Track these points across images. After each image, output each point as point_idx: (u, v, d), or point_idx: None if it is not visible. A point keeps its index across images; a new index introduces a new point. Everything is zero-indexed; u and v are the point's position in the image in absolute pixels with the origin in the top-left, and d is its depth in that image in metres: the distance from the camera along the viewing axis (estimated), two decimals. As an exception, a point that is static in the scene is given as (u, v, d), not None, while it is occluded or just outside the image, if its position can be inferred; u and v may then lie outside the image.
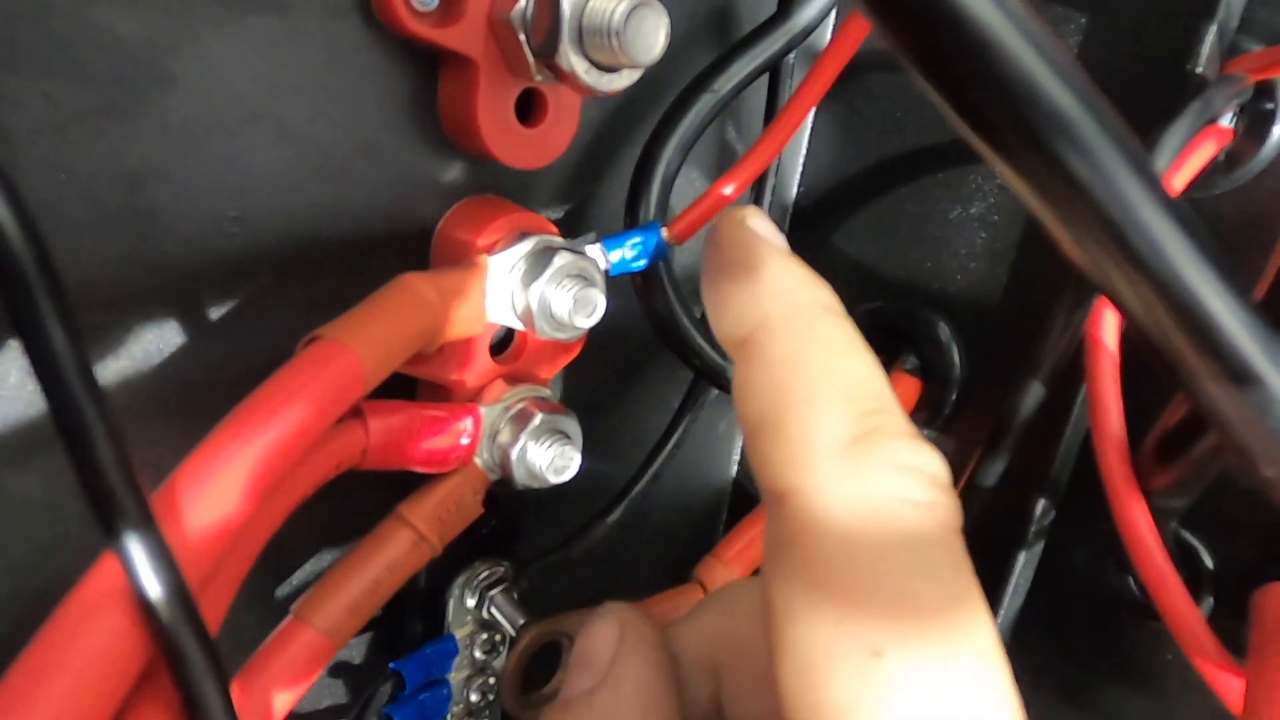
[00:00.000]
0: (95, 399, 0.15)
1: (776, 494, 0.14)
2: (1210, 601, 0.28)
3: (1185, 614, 0.22)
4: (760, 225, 0.16)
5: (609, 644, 0.16)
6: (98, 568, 0.15)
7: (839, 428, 0.13)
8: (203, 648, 0.15)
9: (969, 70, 0.12)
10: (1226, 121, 0.27)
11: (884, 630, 0.12)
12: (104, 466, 0.15)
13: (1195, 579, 0.28)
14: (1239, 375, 0.13)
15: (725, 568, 0.32)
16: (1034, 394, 0.27)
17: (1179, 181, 0.25)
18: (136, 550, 0.15)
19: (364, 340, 0.19)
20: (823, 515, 0.13)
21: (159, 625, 0.15)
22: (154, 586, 0.15)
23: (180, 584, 0.15)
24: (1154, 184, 0.12)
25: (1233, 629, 0.24)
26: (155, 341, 0.22)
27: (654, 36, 0.22)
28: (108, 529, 0.15)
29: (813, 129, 0.38)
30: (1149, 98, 0.25)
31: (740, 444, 0.42)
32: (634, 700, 0.16)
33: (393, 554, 0.23)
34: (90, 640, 0.14)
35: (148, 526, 0.15)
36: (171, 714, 0.15)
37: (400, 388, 0.25)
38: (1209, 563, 0.28)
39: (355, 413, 0.22)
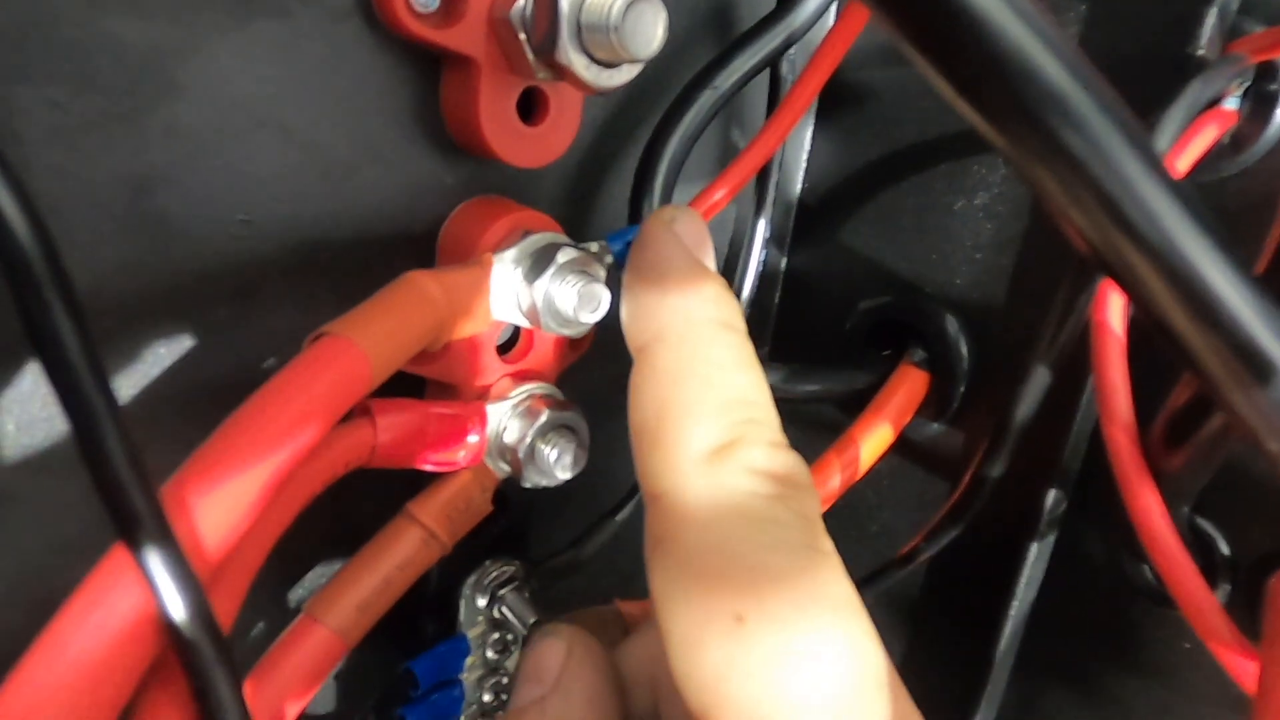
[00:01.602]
0: (110, 405, 0.15)
1: (651, 496, 0.15)
2: (1227, 588, 0.27)
3: (1199, 598, 0.22)
4: (686, 229, 0.17)
5: (557, 657, 0.18)
6: (108, 560, 0.15)
7: (706, 438, 0.15)
8: (214, 644, 0.15)
9: (963, 48, 0.12)
10: (1232, 104, 0.27)
11: (744, 600, 0.14)
12: (119, 471, 0.15)
13: (1211, 567, 0.27)
14: (1241, 349, 0.13)
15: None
16: (1041, 381, 0.27)
17: (1183, 164, 0.25)
18: (150, 552, 0.15)
19: (369, 336, 0.19)
20: (687, 513, 0.15)
21: (172, 625, 0.15)
22: (168, 587, 0.15)
23: (192, 582, 0.15)
24: (1149, 155, 0.12)
25: (1251, 616, 0.24)
26: (165, 344, 0.22)
27: (652, 30, 0.22)
28: (123, 532, 0.15)
29: (816, 126, 0.38)
30: (1152, 82, 0.25)
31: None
32: (583, 705, 0.17)
33: (403, 552, 0.24)
34: (102, 628, 0.14)
35: (162, 530, 0.15)
36: (184, 708, 0.16)
37: (409, 389, 0.26)
38: (1225, 550, 0.28)
39: (364, 411, 0.22)
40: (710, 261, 0.18)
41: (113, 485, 0.15)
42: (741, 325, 0.17)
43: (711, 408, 0.15)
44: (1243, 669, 0.22)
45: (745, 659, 0.13)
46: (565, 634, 0.19)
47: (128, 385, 0.22)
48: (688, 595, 0.14)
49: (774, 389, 0.35)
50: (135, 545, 0.15)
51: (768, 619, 0.13)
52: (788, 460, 0.16)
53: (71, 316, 0.15)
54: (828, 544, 0.15)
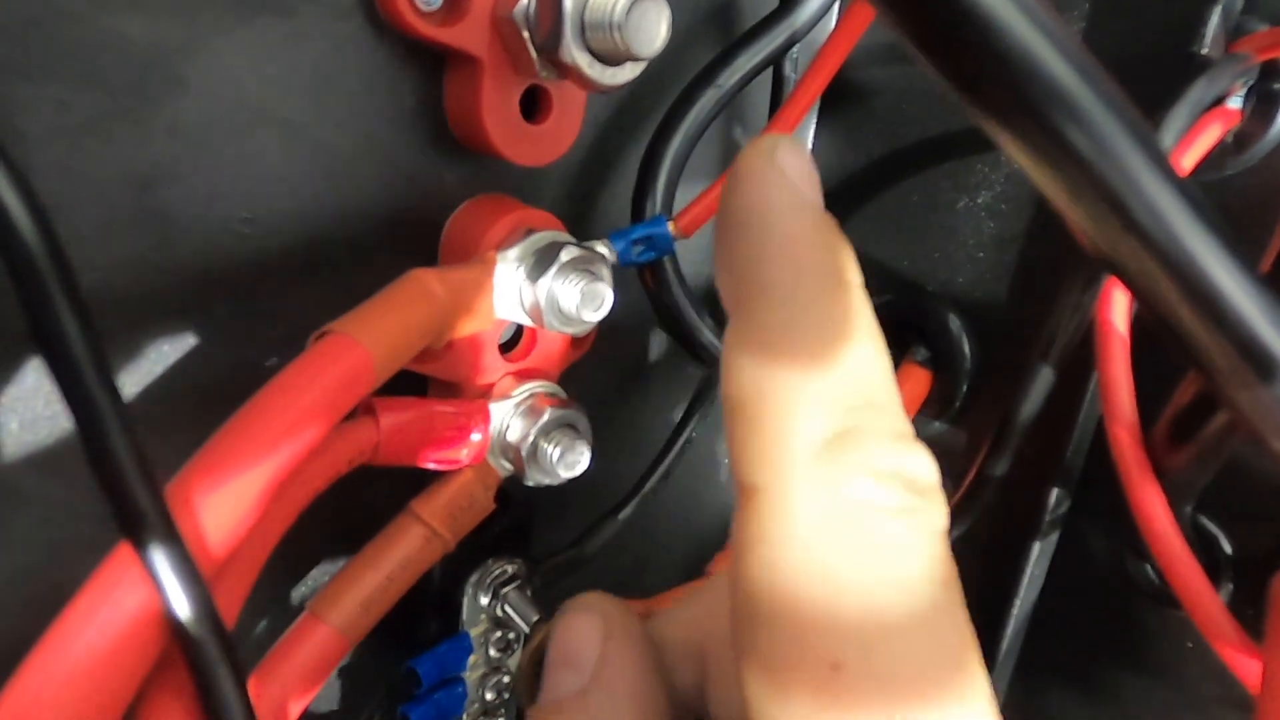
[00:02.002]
0: (115, 402, 0.15)
1: (746, 488, 0.13)
2: (1229, 588, 0.27)
3: (1203, 597, 0.22)
4: (790, 161, 0.14)
5: (594, 641, 0.16)
6: (113, 557, 0.15)
7: (819, 424, 0.12)
8: (219, 642, 0.15)
9: (967, 44, 0.12)
10: (1235, 103, 0.27)
11: (847, 644, 0.11)
12: (124, 469, 0.15)
13: (1214, 565, 0.27)
14: (1246, 347, 0.13)
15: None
16: (1044, 380, 0.27)
17: (1187, 163, 0.25)
18: (155, 550, 0.15)
19: (373, 334, 0.19)
20: (790, 519, 0.12)
21: (177, 622, 0.15)
22: (173, 585, 0.15)
23: (197, 580, 0.15)
24: (1154, 151, 0.12)
25: (1254, 615, 0.24)
26: (168, 342, 0.22)
27: (655, 28, 0.22)
28: (128, 531, 0.15)
29: (818, 124, 0.38)
30: (1155, 81, 0.25)
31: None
32: (629, 702, 0.15)
33: (406, 550, 0.24)
34: (107, 625, 0.14)
35: (167, 528, 0.15)
36: (189, 705, 0.16)
37: (412, 388, 0.26)
38: (1228, 549, 0.28)
39: (367, 409, 0.22)
40: (819, 200, 0.14)
41: (118, 483, 0.15)
42: (858, 281, 0.13)
43: (827, 385, 0.12)
44: (1246, 668, 0.22)
45: (836, 715, 0.11)
46: (601, 609, 0.16)
47: (130, 383, 0.22)
48: (779, 623, 0.12)
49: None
50: (140, 543, 0.15)
51: (872, 676, 0.11)
52: (918, 459, 0.13)
53: (76, 313, 0.15)
54: (949, 579, 0.12)
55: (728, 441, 0.13)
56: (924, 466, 0.13)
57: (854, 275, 0.13)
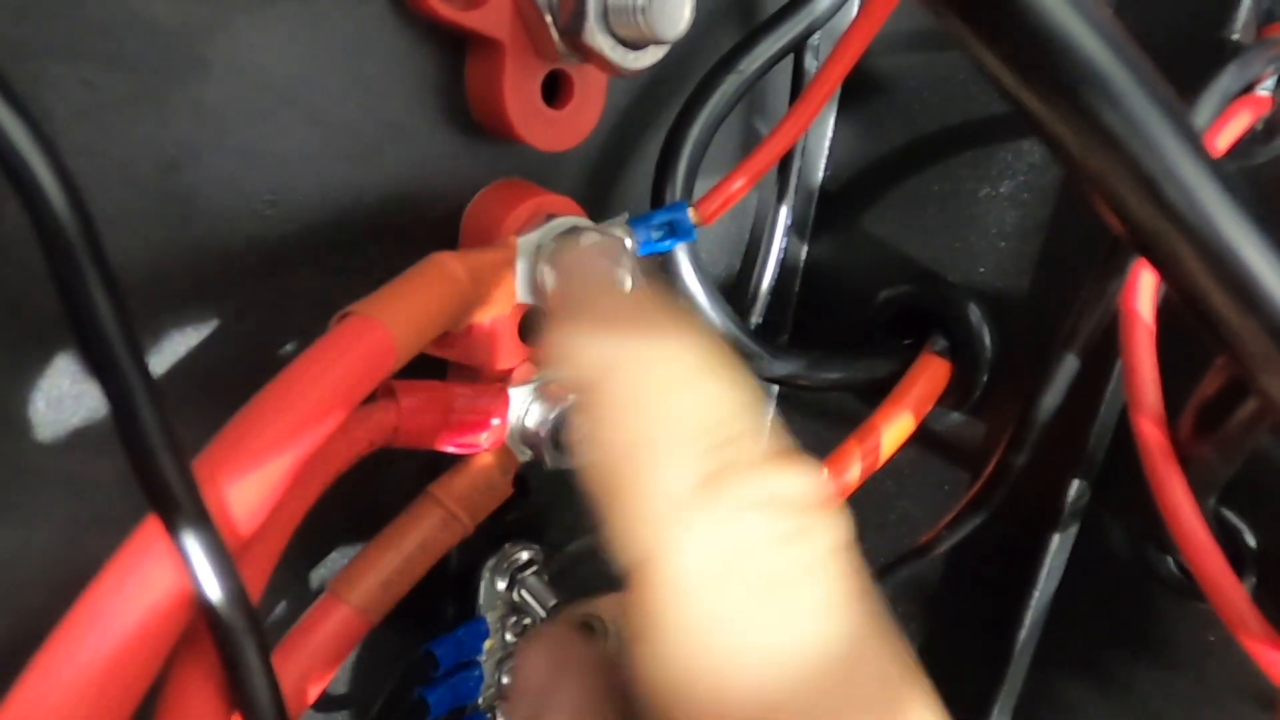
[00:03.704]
0: (145, 378, 0.15)
1: (633, 566, 0.12)
2: (1252, 580, 0.27)
3: (1229, 589, 0.22)
4: (598, 255, 0.16)
5: (544, 670, 0.17)
6: (141, 532, 0.15)
7: (683, 474, 0.12)
8: (246, 616, 0.15)
9: (1004, 20, 0.12)
10: (1266, 90, 0.26)
11: (766, 704, 0.11)
12: (155, 448, 0.15)
13: (1238, 558, 0.27)
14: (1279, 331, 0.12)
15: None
16: (1067, 370, 0.26)
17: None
18: (184, 525, 0.15)
19: (395, 316, 0.19)
20: (682, 579, 0.12)
21: (204, 597, 0.15)
22: (201, 563, 0.15)
23: (225, 555, 0.15)
24: (1188, 131, 0.12)
25: (1277, 608, 0.24)
26: (191, 322, 0.22)
27: (679, 11, 0.22)
28: (157, 507, 0.15)
29: (839, 112, 0.38)
30: (1185, 67, 0.24)
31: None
32: (577, 716, 0.16)
33: (425, 532, 0.24)
34: (136, 599, 0.14)
35: (196, 504, 0.15)
36: (214, 677, 0.16)
37: (429, 373, 0.26)
38: (1251, 542, 0.27)
39: (387, 391, 0.22)
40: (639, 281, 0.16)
41: (148, 460, 0.15)
42: (685, 331, 0.14)
43: (678, 437, 0.12)
44: (1272, 661, 0.22)
45: None
46: (551, 640, 0.18)
47: (154, 363, 0.22)
48: (695, 693, 0.12)
49: (794, 377, 0.35)
50: (170, 521, 0.15)
51: None
52: (790, 478, 0.12)
53: (108, 290, 0.15)
54: (862, 592, 0.12)
55: (607, 528, 0.13)
56: (797, 484, 0.12)
57: (688, 325, 0.14)
